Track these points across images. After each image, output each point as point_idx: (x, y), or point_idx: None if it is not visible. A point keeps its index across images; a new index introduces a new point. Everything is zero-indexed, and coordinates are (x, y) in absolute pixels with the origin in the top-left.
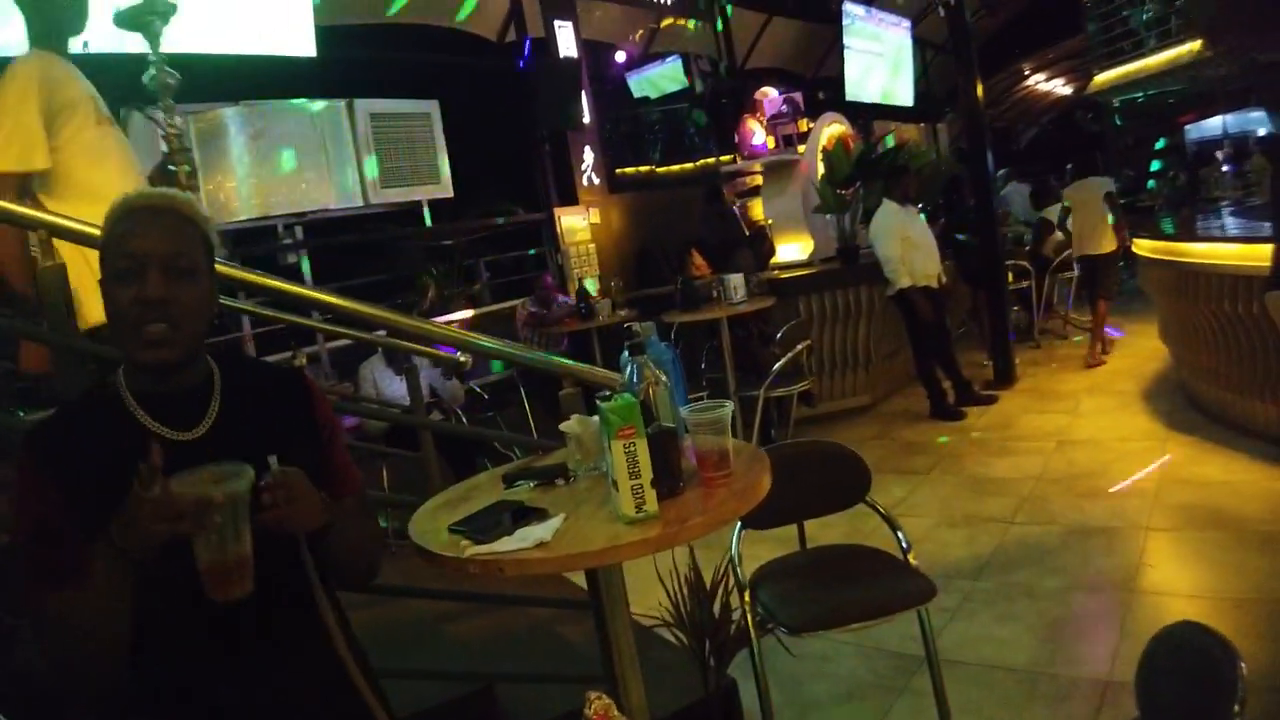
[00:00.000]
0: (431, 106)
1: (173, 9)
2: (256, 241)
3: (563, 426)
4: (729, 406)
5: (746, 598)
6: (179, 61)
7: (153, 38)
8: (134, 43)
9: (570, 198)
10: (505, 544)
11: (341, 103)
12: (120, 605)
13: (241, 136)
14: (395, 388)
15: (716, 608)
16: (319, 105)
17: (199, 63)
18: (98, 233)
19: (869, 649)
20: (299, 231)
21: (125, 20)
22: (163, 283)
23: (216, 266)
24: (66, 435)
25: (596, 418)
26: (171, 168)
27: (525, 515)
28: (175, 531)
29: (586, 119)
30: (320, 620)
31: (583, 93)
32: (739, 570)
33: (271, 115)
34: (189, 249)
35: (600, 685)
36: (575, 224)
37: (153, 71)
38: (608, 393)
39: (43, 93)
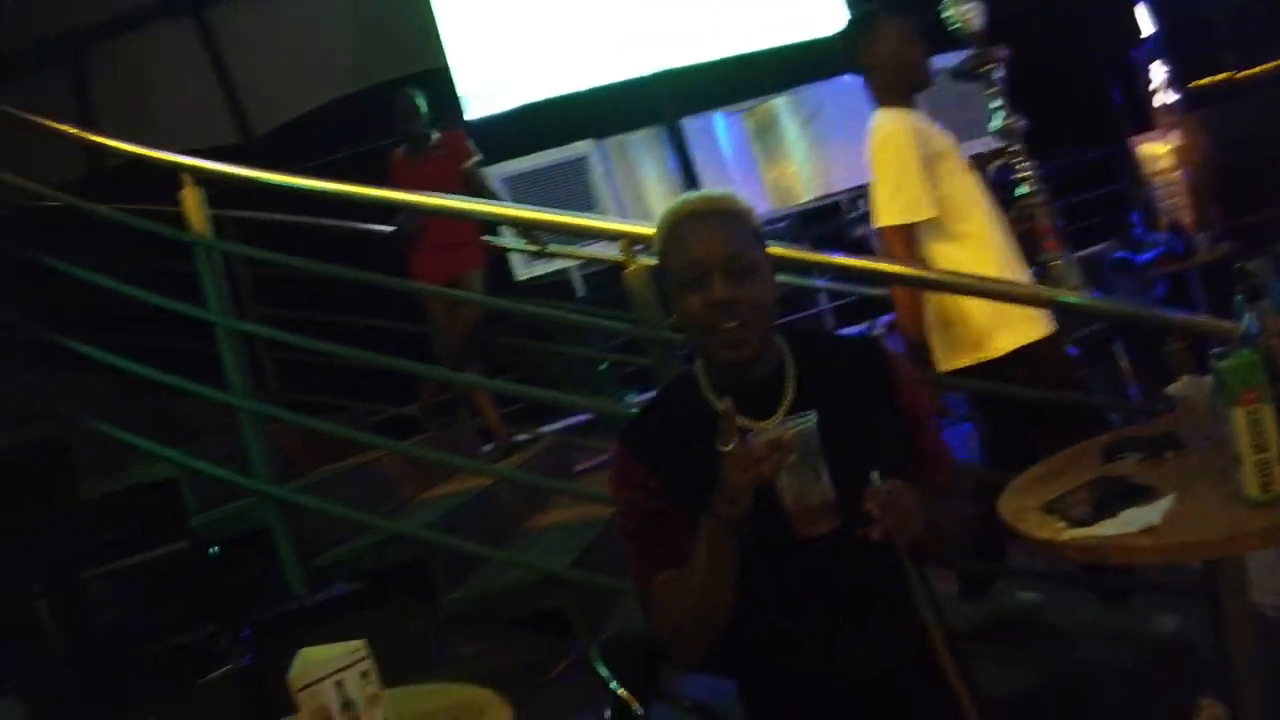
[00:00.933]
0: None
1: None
2: (823, 221)
3: (1169, 390)
4: None
5: None
6: (722, 65)
7: (990, 83)
8: None
9: (1145, 124)
10: (1107, 527)
11: None
12: (728, 579)
13: (794, 122)
14: None
15: None
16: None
17: (742, 62)
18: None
19: None
20: (861, 204)
21: (962, 74)
22: (727, 285)
23: (778, 251)
24: (657, 429)
25: (1209, 378)
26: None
27: (1130, 494)
28: (758, 478)
29: (1147, 31)
30: (909, 597)
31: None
32: None
33: (823, 96)
34: (744, 247)
35: (1213, 690)
36: (1155, 151)
37: (1003, 117)
38: (1222, 349)
39: (915, 146)
